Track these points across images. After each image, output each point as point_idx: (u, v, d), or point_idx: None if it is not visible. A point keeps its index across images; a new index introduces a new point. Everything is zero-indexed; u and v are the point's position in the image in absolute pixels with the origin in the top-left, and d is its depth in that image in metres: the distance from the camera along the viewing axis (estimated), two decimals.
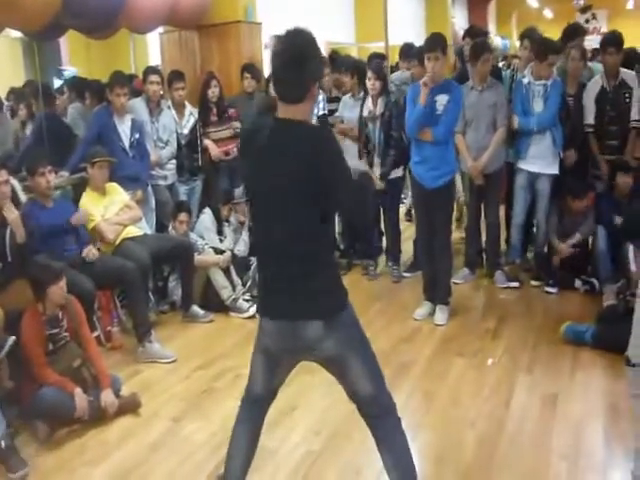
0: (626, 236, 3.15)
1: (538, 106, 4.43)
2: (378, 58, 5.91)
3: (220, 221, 4.77)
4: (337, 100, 5.18)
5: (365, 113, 4.70)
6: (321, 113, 5.02)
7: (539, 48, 4.44)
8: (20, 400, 3.11)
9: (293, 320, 1.99)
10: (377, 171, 4.70)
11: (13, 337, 2.97)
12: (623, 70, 4.53)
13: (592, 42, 8.20)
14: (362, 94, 4.94)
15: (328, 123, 5.00)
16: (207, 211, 4.80)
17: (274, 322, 2.05)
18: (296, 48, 1.92)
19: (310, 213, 1.95)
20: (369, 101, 4.71)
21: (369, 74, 4.65)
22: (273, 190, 1.96)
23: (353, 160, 4.87)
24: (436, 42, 3.86)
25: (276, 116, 2.00)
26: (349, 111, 4.96)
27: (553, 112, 4.39)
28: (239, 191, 4.81)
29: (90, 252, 3.87)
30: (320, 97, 5.07)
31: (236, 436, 2.27)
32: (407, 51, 5.74)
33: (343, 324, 2.04)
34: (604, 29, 15.97)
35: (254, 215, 2.20)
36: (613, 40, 4.51)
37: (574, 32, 4.89)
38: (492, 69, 4.65)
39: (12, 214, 3.16)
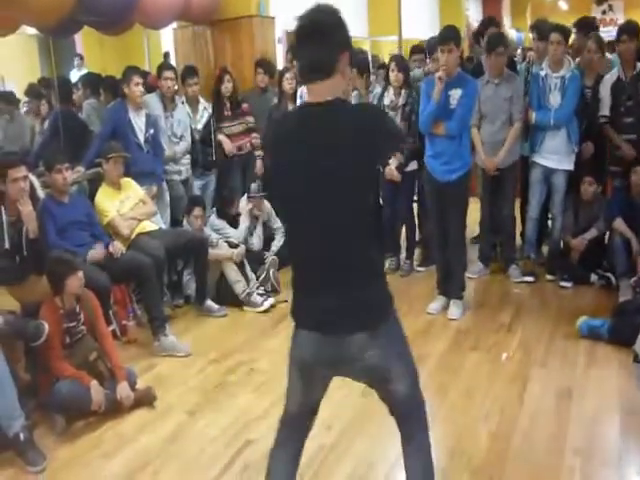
0: None
1: (555, 99, 4.38)
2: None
3: (228, 217, 4.78)
4: None
5: (387, 102, 4.69)
6: None
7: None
8: (37, 393, 3.16)
9: (336, 334, 1.81)
10: (394, 163, 4.70)
11: (46, 324, 3.00)
12: None
13: (609, 34, 8.09)
14: (371, 88, 4.95)
15: None
16: (212, 212, 4.82)
17: (312, 334, 1.85)
18: (318, 19, 1.74)
19: (362, 207, 1.76)
20: (391, 91, 4.69)
21: (392, 66, 4.64)
22: (316, 188, 1.74)
23: None
24: (449, 35, 3.84)
25: (304, 103, 1.82)
26: None
27: (571, 107, 4.33)
28: (255, 186, 4.83)
29: (116, 248, 3.91)
30: None
31: (275, 461, 2.05)
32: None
33: (387, 332, 1.87)
34: (621, 20, 15.74)
35: (288, 219, 1.95)
36: (627, 28, 4.44)
37: (585, 26, 4.83)
38: (508, 62, 4.61)
39: (26, 208, 3.20)
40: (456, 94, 3.86)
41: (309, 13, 1.76)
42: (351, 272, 1.80)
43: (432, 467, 2.04)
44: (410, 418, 2.03)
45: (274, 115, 4.94)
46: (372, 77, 5.31)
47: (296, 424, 2.05)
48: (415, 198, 5.12)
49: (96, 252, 3.80)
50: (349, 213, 1.76)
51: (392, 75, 4.63)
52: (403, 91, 4.65)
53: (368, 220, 1.80)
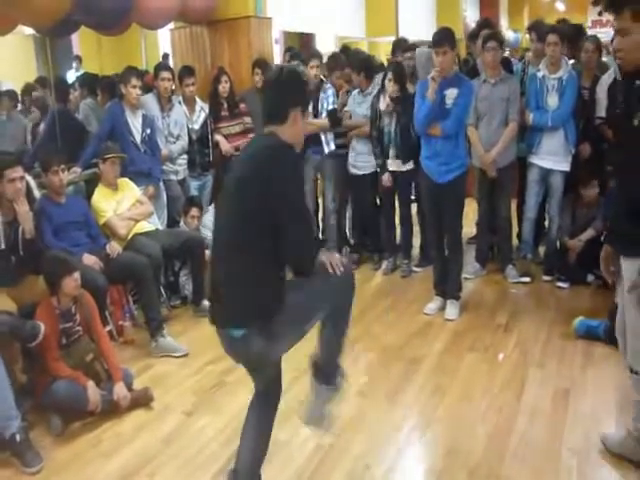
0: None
1: (552, 100, 4.39)
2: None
3: None
4: None
5: (382, 107, 4.69)
6: (330, 108, 5.02)
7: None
8: (34, 393, 3.15)
9: (222, 327, 2.13)
10: (392, 164, 4.72)
11: (42, 325, 3.00)
12: None
13: (606, 35, 8.11)
14: (371, 89, 4.95)
15: (337, 118, 5.00)
16: (211, 209, 4.81)
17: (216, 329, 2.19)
18: (280, 74, 2.13)
19: (249, 226, 2.01)
20: (387, 97, 4.69)
21: (389, 75, 4.63)
22: (227, 191, 2.10)
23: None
24: (444, 37, 3.84)
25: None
26: (358, 106, 4.99)
27: (569, 109, 4.34)
28: None
29: (113, 248, 3.90)
30: (330, 92, 5.07)
31: (245, 433, 2.34)
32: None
33: (269, 330, 2.06)
34: None
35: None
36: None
37: (577, 34, 4.84)
38: (504, 62, 4.63)
39: (22, 208, 3.19)
40: (452, 94, 3.87)
41: (277, 68, 2.25)
42: (236, 271, 2.06)
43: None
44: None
45: None
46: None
47: (262, 398, 2.34)
48: (413, 198, 5.13)
49: (88, 258, 3.78)
50: (242, 231, 2.03)
51: (388, 85, 4.63)
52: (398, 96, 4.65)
53: (254, 237, 2.01)
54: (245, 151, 2.24)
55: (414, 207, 5.16)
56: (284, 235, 1.98)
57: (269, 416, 2.33)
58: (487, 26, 5.25)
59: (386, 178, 4.75)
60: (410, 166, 4.68)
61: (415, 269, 5.03)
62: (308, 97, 2.22)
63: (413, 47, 5.14)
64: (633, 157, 2.25)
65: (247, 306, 2.06)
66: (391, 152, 4.73)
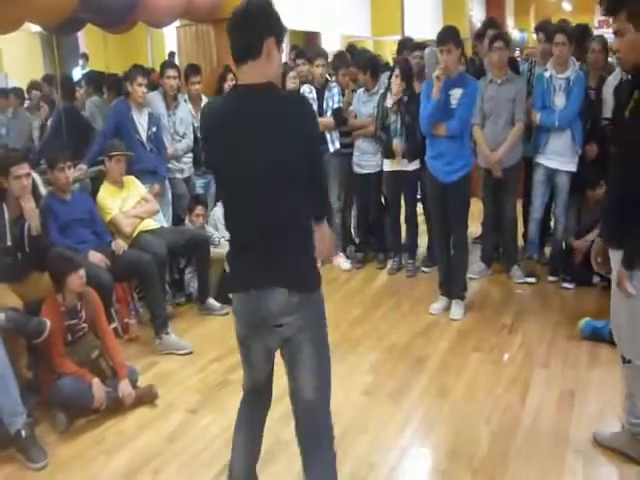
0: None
1: (560, 100, 4.37)
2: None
3: None
4: None
5: (388, 104, 4.69)
6: (336, 106, 5.01)
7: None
8: (39, 390, 3.16)
9: (257, 288, 1.96)
10: (397, 160, 4.72)
11: (48, 321, 3.01)
12: None
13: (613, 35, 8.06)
14: (377, 89, 4.95)
15: (342, 116, 5.00)
16: (219, 205, 4.82)
17: (239, 296, 2.03)
18: (246, 8, 1.92)
19: (293, 193, 1.92)
20: (392, 95, 4.68)
21: (396, 72, 4.63)
22: (249, 164, 1.91)
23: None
24: (448, 35, 3.83)
25: (236, 84, 2.01)
26: (363, 106, 4.99)
27: (576, 109, 4.32)
28: None
29: (119, 245, 3.91)
30: (335, 90, 5.06)
31: (237, 439, 2.28)
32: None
33: (307, 304, 1.97)
34: None
35: (224, 192, 2.11)
36: None
37: (583, 34, 4.81)
38: (510, 62, 4.61)
39: (28, 205, 3.20)
40: (457, 94, 3.87)
41: (240, 5, 1.93)
42: (281, 242, 1.94)
43: None
44: (310, 441, 2.07)
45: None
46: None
47: (252, 399, 2.25)
48: (419, 197, 5.12)
49: (94, 255, 3.78)
50: (283, 193, 1.91)
51: (395, 81, 4.63)
52: (405, 96, 4.65)
53: (299, 201, 1.94)
54: (241, 113, 1.92)
55: (420, 207, 5.15)
56: (316, 184, 2.02)
57: (260, 416, 2.29)
58: (492, 26, 5.23)
59: (395, 143, 4.66)
60: (416, 165, 4.67)
61: (424, 269, 5.01)
62: (282, 25, 1.97)
63: (422, 46, 5.12)
64: (623, 149, 2.31)
65: (302, 266, 1.98)
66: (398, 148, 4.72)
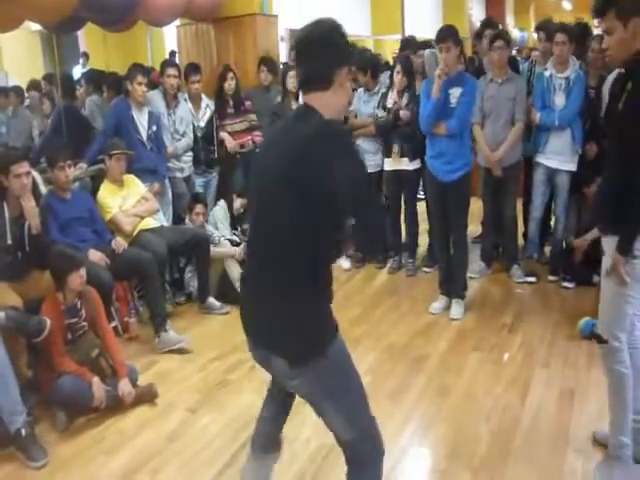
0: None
1: (560, 100, 4.36)
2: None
3: (233, 214, 4.78)
4: None
5: (389, 104, 4.69)
6: None
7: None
8: (39, 389, 3.16)
9: (264, 348, 1.84)
10: (399, 160, 4.71)
11: (48, 319, 3.01)
12: None
13: None
14: (377, 88, 4.95)
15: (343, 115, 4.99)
16: (221, 203, 4.82)
17: (249, 339, 1.91)
18: (316, 33, 1.77)
19: (296, 223, 1.69)
20: (394, 93, 4.69)
21: (397, 68, 4.65)
22: (263, 183, 1.78)
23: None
24: (447, 33, 3.84)
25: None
26: (363, 105, 4.99)
27: (576, 108, 4.31)
28: None
29: (119, 244, 3.92)
30: None
31: (262, 414, 2.26)
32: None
33: (314, 370, 1.76)
34: None
35: (249, 218, 2.00)
36: None
37: (583, 33, 4.80)
38: (510, 62, 4.61)
39: (29, 204, 3.20)
40: (456, 93, 3.87)
41: (309, 26, 1.79)
42: (282, 289, 1.75)
43: None
44: (354, 467, 1.94)
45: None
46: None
47: (277, 398, 2.22)
48: (422, 196, 5.12)
49: (94, 254, 3.78)
50: (286, 228, 1.71)
51: (396, 77, 4.64)
52: (406, 92, 4.66)
53: (306, 242, 1.72)
54: (278, 140, 1.79)
55: (420, 206, 5.15)
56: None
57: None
58: (491, 25, 5.24)
59: (402, 113, 4.63)
60: (417, 165, 4.67)
61: (424, 269, 5.01)
62: (352, 52, 1.82)
63: (429, 44, 5.11)
64: (616, 140, 2.37)
65: (299, 334, 1.75)
66: (395, 148, 4.72)
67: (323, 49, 1.74)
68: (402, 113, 4.60)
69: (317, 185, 1.66)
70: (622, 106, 2.30)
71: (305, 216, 1.69)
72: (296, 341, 1.75)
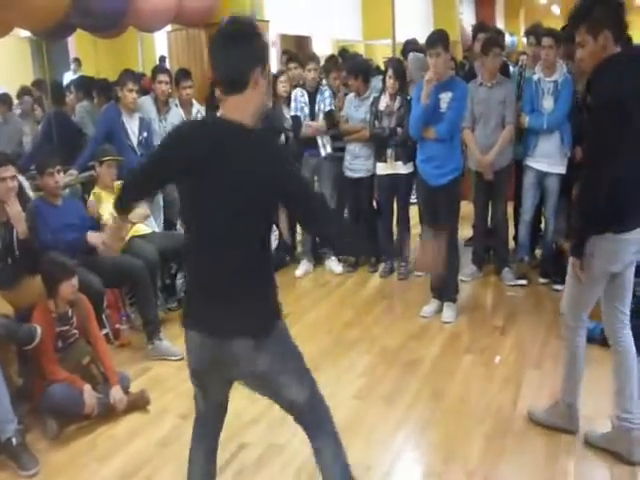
0: None
1: (548, 103, 4.39)
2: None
3: None
4: None
5: (382, 107, 4.71)
6: (327, 109, 5.02)
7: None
8: (30, 397, 3.14)
9: (222, 337, 1.85)
10: (392, 164, 4.73)
11: (39, 327, 2.99)
12: None
13: None
14: (368, 93, 4.97)
15: (334, 120, 5.01)
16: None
17: (201, 336, 1.91)
18: (231, 28, 1.80)
19: (257, 229, 1.85)
20: (387, 96, 4.71)
21: (389, 72, 4.66)
22: (220, 201, 1.79)
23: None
24: (437, 38, 3.85)
25: (219, 115, 1.90)
26: (354, 111, 5.00)
27: (564, 112, 4.34)
28: None
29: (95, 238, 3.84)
30: (327, 93, 5.07)
31: (193, 458, 2.24)
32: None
33: (274, 340, 1.89)
34: None
35: (187, 220, 1.99)
36: None
37: (572, 38, 4.83)
38: (501, 66, 4.64)
39: (14, 208, 3.18)
40: (446, 97, 3.89)
41: (228, 23, 1.81)
42: (241, 277, 1.84)
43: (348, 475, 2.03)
44: (315, 431, 2.04)
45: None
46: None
47: (206, 422, 2.22)
48: (414, 200, 5.13)
49: (92, 236, 3.70)
50: (243, 235, 1.82)
51: (389, 81, 4.66)
52: (398, 96, 4.68)
53: (257, 241, 1.85)
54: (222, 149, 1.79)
55: (412, 210, 5.16)
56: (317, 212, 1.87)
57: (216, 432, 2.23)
58: (483, 29, 5.27)
59: (399, 130, 4.65)
60: (410, 169, 4.69)
61: (417, 273, 5.01)
62: (266, 51, 1.85)
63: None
64: (588, 137, 2.55)
65: (260, 311, 1.88)
66: (389, 151, 4.74)
67: (237, 50, 1.76)
68: (399, 130, 4.62)
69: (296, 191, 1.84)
70: (587, 115, 2.40)
71: (260, 225, 1.86)
72: (259, 316, 1.87)
